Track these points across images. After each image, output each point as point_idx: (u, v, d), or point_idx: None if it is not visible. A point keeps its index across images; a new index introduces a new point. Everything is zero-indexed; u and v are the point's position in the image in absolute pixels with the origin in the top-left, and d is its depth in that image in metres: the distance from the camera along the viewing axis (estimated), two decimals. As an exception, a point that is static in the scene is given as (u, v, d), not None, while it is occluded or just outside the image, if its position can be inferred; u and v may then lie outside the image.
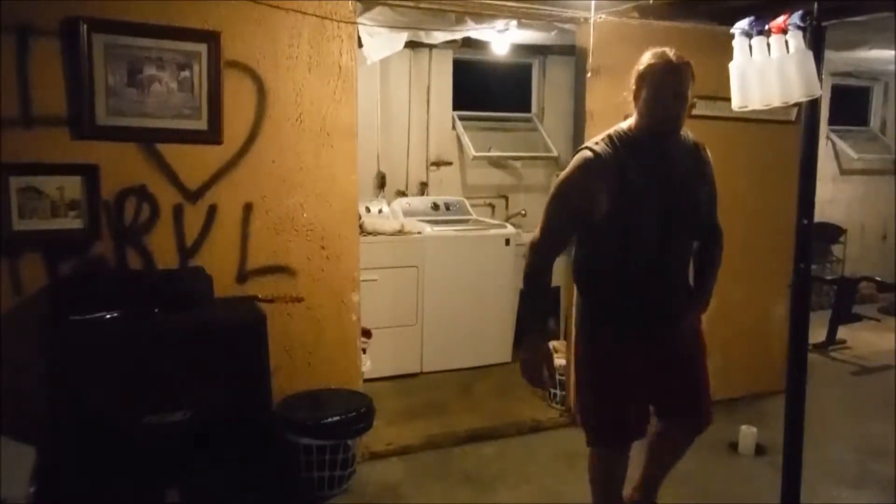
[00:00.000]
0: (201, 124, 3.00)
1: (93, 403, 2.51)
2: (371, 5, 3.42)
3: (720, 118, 3.81)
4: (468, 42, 4.87)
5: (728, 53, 3.29)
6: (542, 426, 3.96)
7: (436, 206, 5.19)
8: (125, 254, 2.95)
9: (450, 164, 5.65)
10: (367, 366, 3.77)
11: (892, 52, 5.35)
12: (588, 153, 2.28)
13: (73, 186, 2.82)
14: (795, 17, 3.01)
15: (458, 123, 5.59)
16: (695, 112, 3.96)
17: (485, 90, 5.80)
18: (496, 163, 5.78)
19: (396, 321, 4.57)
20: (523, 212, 5.72)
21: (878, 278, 5.91)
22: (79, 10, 2.76)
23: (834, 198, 6.82)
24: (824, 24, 2.91)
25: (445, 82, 5.56)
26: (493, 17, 3.74)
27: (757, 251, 4.07)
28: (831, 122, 6.83)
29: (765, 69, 3.12)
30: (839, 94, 6.80)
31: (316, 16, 3.16)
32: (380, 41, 3.92)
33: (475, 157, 5.51)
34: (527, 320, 2.45)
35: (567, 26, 3.87)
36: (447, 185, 5.61)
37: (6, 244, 2.75)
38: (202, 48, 2.96)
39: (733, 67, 3.26)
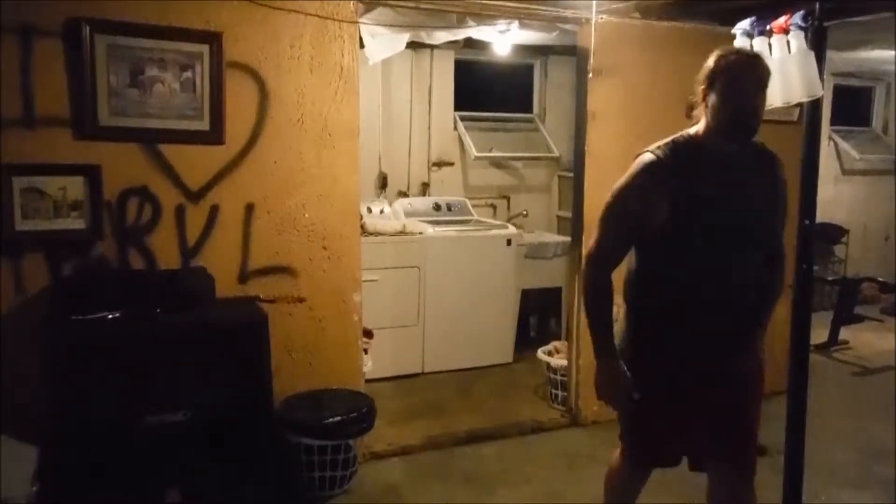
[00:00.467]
0: (203, 125, 3.01)
1: (94, 403, 2.51)
2: (372, 6, 3.43)
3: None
4: (470, 42, 4.87)
5: (730, 54, 3.29)
6: (542, 427, 3.96)
7: (437, 207, 5.19)
8: (127, 254, 2.96)
9: (451, 164, 5.65)
10: (369, 366, 3.77)
11: (894, 53, 5.34)
12: (648, 156, 2.11)
13: (75, 187, 2.83)
14: (797, 18, 3.01)
15: (460, 124, 5.60)
16: (696, 113, 4.01)
17: (486, 91, 5.81)
18: (498, 163, 5.78)
19: (398, 321, 4.58)
20: (525, 212, 5.72)
21: (880, 279, 5.91)
22: (81, 10, 2.77)
23: (836, 198, 6.81)
24: (826, 24, 2.91)
25: (447, 83, 5.57)
26: (494, 17, 3.74)
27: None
28: (833, 122, 6.82)
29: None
30: (841, 94, 6.79)
31: (318, 16, 3.16)
32: (381, 42, 3.92)
33: (477, 158, 5.52)
34: (595, 341, 2.18)
35: (568, 27, 3.86)
36: (449, 186, 5.62)
37: (9, 244, 2.76)
38: (204, 49, 2.96)
39: (735, 68, 3.27)
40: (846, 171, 7.04)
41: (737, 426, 2.21)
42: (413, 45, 4.83)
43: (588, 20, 3.72)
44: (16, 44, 2.70)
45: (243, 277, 3.16)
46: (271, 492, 2.81)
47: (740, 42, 3.23)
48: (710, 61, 2.12)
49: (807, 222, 2.62)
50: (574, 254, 4.04)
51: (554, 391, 4.20)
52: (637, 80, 3.86)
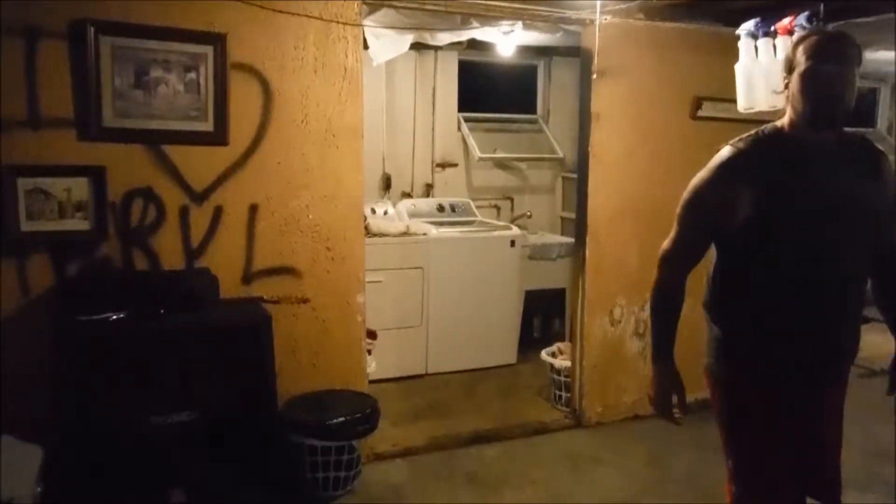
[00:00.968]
0: (207, 126, 3.01)
1: (99, 403, 2.52)
2: (376, 7, 3.43)
3: (726, 120, 3.81)
4: (473, 44, 4.86)
5: (734, 55, 3.30)
6: (546, 428, 3.95)
7: (441, 208, 5.19)
8: (131, 255, 2.96)
9: (455, 165, 5.65)
10: (372, 367, 3.77)
11: (894, 54, 5.33)
12: (727, 150, 1.91)
13: (80, 188, 2.83)
14: (801, 19, 3.01)
15: (464, 125, 5.59)
16: (700, 114, 4.02)
17: (490, 92, 5.81)
18: (501, 164, 5.78)
19: (401, 322, 4.58)
20: (529, 213, 5.72)
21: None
22: (86, 12, 2.77)
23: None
24: (830, 25, 2.90)
25: (451, 84, 5.56)
26: (498, 18, 3.74)
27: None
28: (838, 123, 6.79)
29: (770, 70, 3.12)
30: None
31: (321, 18, 3.17)
32: (385, 43, 3.92)
33: (480, 159, 5.51)
34: (655, 345, 2.09)
35: (572, 28, 3.86)
36: (452, 187, 5.62)
37: (14, 245, 2.76)
38: (208, 50, 2.96)
39: (739, 69, 3.27)
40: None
41: (825, 451, 2.03)
42: (417, 47, 4.83)
43: (592, 21, 3.72)
44: (20, 45, 2.71)
45: (247, 278, 3.16)
46: (275, 492, 2.81)
47: (744, 43, 3.24)
48: (791, 44, 1.92)
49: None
50: (578, 255, 4.04)
51: (558, 392, 4.19)
52: (641, 81, 3.86)
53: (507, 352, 4.96)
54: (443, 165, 5.60)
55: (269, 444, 2.80)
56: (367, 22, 3.50)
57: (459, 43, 4.74)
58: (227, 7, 2.99)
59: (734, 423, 2.01)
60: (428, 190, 5.55)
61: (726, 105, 3.62)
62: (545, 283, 5.25)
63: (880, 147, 2.00)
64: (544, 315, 5.47)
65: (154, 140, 2.94)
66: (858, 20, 3.29)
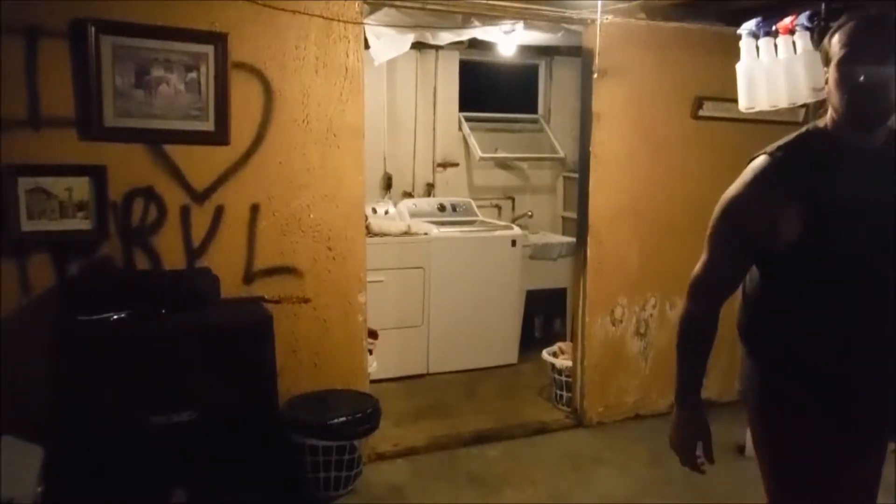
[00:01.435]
0: (208, 125, 3.01)
1: (100, 403, 2.51)
2: (377, 6, 3.43)
3: (727, 119, 3.82)
4: (474, 43, 4.86)
5: (735, 54, 3.29)
6: (547, 428, 3.95)
7: (442, 208, 5.19)
8: (132, 254, 2.96)
9: (456, 165, 5.64)
10: (374, 367, 3.77)
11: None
12: (762, 159, 1.66)
13: (81, 187, 2.83)
14: (803, 18, 3.00)
15: (465, 125, 5.59)
16: (701, 113, 4.02)
17: (491, 91, 5.80)
18: (502, 164, 5.78)
19: (403, 322, 4.58)
20: (530, 213, 5.72)
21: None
22: (87, 11, 2.77)
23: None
24: (832, 24, 2.90)
25: (452, 83, 5.56)
26: (499, 17, 3.74)
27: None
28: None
29: (772, 70, 3.11)
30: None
31: (322, 17, 3.17)
32: (386, 42, 3.92)
33: (481, 159, 5.51)
34: (681, 385, 1.81)
35: (573, 27, 3.86)
36: (453, 187, 5.61)
37: (15, 245, 2.76)
38: (209, 50, 2.96)
39: (740, 68, 3.26)
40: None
41: (873, 486, 1.77)
42: (418, 46, 4.82)
43: (593, 21, 3.72)
44: (21, 44, 2.71)
45: (248, 278, 3.16)
46: (276, 492, 2.81)
47: (746, 43, 3.23)
48: (827, 36, 1.67)
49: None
50: (579, 254, 4.04)
51: (559, 392, 4.19)
52: (642, 81, 3.86)
53: (508, 351, 4.96)
54: (444, 165, 5.60)
55: (269, 444, 2.80)
56: (368, 21, 3.50)
57: (460, 42, 4.74)
58: (229, 6, 2.99)
59: (779, 453, 1.74)
60: (429, 190, 5.55)
61: (727, 105, 3.62)
62: (546, 283, 5.25)
63: None
64: (545, 315, 5.47)
65: (155, 140, 2.94)
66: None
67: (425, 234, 4.70)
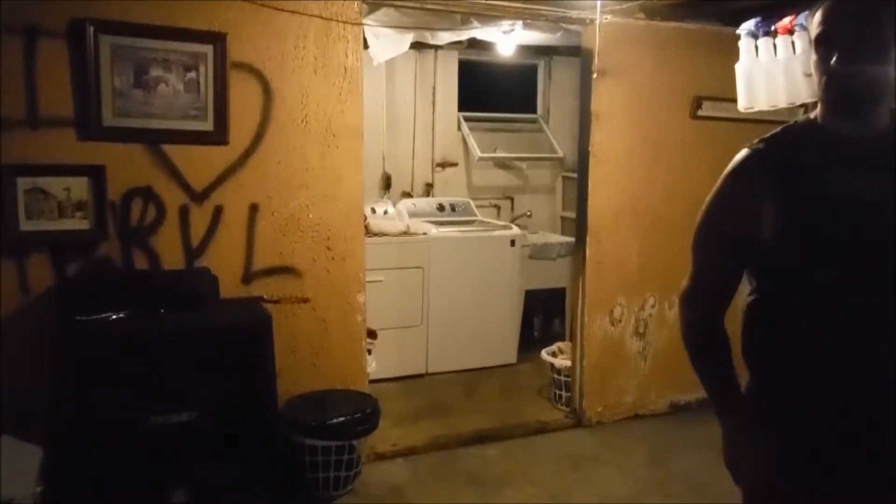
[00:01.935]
0: (207, 125, 3.01)
1: (99, 403, 2.51)
2: (376, 6, 3.43)
3: (726, 119, 3.82)
4: (473, 43, 4.86)
5: (734, 54, 3.29)
6: (547, 427, 3.95)
7: (441, 207, 5.19)
8: (131, 254, 2.96)
9: (455, 165, 5.64)
10: (373, 367, 3.77)
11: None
12: (744, 153, 1.51)
13: (79, 187, 2.83)
14: (801, 18, 3.00)
15: (464, 124, 5.59)
16: (700, 113, 4.02)
17: (490, 91, 5.80)
18: (501, 164, 5.78)
19: (402, 322, 4.57)
20: (529, 213, 5.72)
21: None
22: (85, 11, 2.77)
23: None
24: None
25: (451, 83, 5.56)
26: (498, 17, 3.74)
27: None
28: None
29: (771, 70, 3.11)
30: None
31: (321, 17, 3.17)
32: (385, 42, 3.92)
33: (480, 158, 5.51)
34: (712, 394, 1.61)
35: (573, 27, 3.86)
36: (452, 186, 5.61)
37: (13, 245, 2.76)
38: (208, 49, 2.96)
39: (739, 68, 3.26)
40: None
41: None
42: (417, 46, 4.82)
43: (592, 21, 3.72)
44: (20, 44, 2.70)
45: (247, 278, 3.16)
46: (276, 492, 2.81)
47: (745, 43, 3.23)
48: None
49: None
50: (578, 254, 4.04)
51: (558, 392, 4.19)
52: (641, 81, 3.86)
53: (507, 351, 4.96)
54: (443, 165, 5.60)
55: (269, 444, 2.80)
56: (367, 21, 3.50)
57: (459, 42, 4.74)
58: (227, 6, 2.99)
59: (769, 477, 1.52)
60: (428, 189, 5.55)
61: (727, 105, 3.62)
62: (545, 283, 5.25)
63: None
64: (544, 315, 5.47)
65: (154, 139, 2.94)
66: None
67: (424, 233, 4.70)
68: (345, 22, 3.22)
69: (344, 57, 3.24)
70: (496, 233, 4.96)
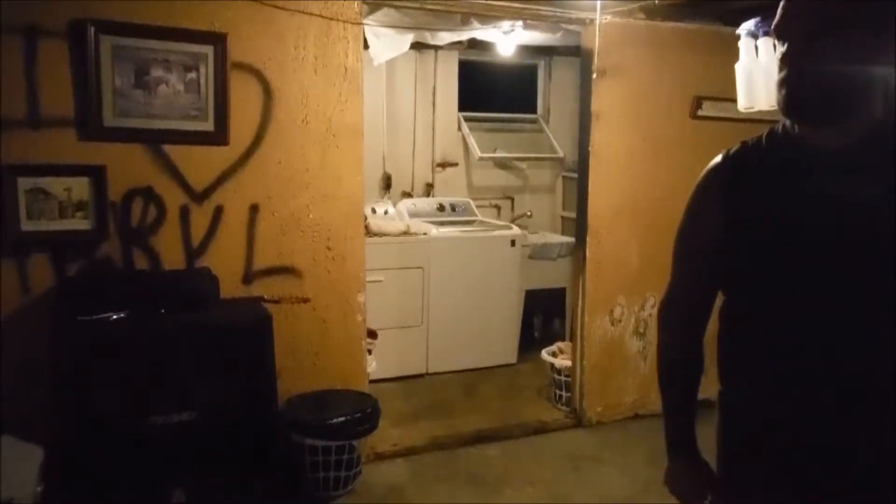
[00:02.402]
0: (208, 125, 3.01)
1: (99, 403, 2.51)
2: (377, 6, 3.43)
3: (726, 119, 3.81)
4: (474, 43, 4.87)
5: (734, 54, 3.29)
6: (547, 427, 3.95)
7: (441, 208, 5.19)
8: (132, 254, 2.96)
9: (455, 165, 5.65)
10: (373, 366, 3.78)
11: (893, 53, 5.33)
12: (716, 159, 1.41)
13: (80, 187, 2.83)
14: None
15: (464, 124, 5.59)
16: (700, 113, 4.02)
17: (490, 91, 5.80)
18: (502, 164, 5.78)
19: (402, 322, 4.58)
20: (529, 213, 5.72)
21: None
22: (86, 11, 2.77)
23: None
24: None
25: (451, 83, 5.56)
26: (498, 18, 3.74)
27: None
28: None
29: (771, 70, 3.11)
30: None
31: (322, 17, 3.17)
32: (386, 42, 3.92)
33: (481, 159, 5.51)
34: (667, 426, 1.52)
35: (573, 27, 3.86)
36: (453, 187, 5.62)
37: (14, 245, 2.76)
38: (209, 50, 2.96)
39: (739, 68, 3.27)
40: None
41: None
42: (417, 46, 4.83)
43: (592, 21, 3.72)
44: (20, 44, 2.71)
45: (248, 278, 3.16)
46: (276, 492, 2.81)
47: (744, 42, 3.23)
48: None
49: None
50: (578, 254, 4.04)
51: (558, 392, 4.19)
52: (641, 81, 3.86)
53: (507, 351, 4.96)
54: (443, 165, 5.60)
55: (269, 444, 2.80)
56: (367, 21, 3.50)
57: (460, 42, 4.75)
58: (228, 6, 2.99)
59: None
60: (428, 189, 5.55)
61: (726, 104, 3.62)
62: (545, 283, 5.26)
63: None
64: (544, 315, 5.47)
65: (154, 140, 2.94)
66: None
67: (424, 234, 4.70)
68: (345, 22, 3.22)
69: (344, 57, 3.24)
70: (496, 233, 4.96)
